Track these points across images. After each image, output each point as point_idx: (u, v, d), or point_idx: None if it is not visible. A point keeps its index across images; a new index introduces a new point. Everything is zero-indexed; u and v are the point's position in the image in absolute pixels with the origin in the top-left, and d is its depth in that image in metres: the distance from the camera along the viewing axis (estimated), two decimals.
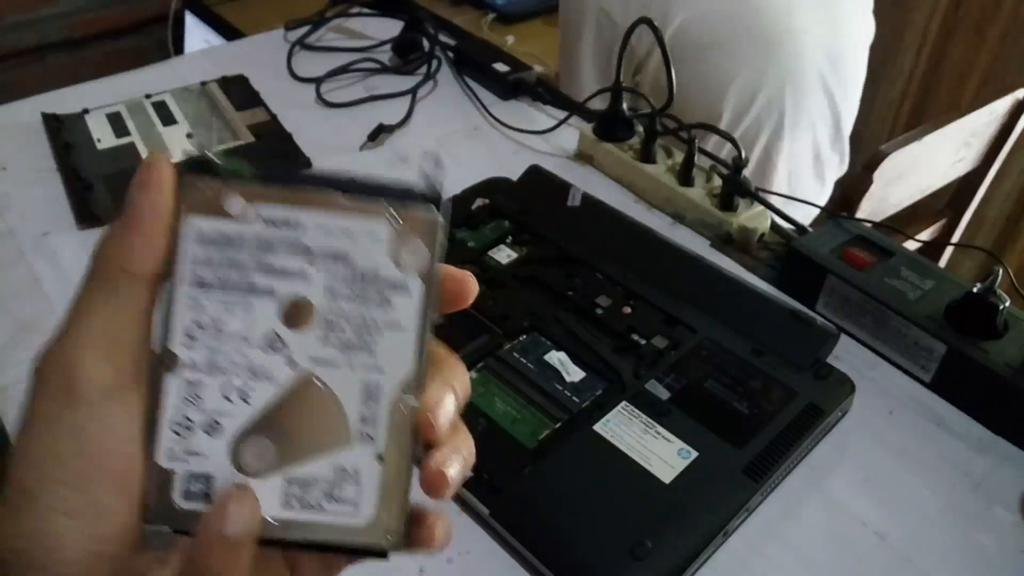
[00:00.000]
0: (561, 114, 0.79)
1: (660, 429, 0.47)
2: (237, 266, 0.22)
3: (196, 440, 0.22)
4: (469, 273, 0.24)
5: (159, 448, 0.22)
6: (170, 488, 0.22)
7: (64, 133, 0.76)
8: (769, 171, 1.08)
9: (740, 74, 0.99)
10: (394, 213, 0.22)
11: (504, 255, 0.60)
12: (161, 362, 0.22)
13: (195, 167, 0.22)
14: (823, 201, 1.21)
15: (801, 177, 1.12)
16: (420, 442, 0.23)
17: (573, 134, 0.76)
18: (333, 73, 0.86)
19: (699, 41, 0.97)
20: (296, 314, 0.22)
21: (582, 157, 0.75)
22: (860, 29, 1.10)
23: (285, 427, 0.22)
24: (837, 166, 1.17)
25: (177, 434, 0.22)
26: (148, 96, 0.82)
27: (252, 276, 0.22)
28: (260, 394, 0.22)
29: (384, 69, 0.88)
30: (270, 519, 0.22)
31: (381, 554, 0.22)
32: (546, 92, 0.84)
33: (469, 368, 0.50)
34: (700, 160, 0.67)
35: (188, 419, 0.22)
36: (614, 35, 1.00)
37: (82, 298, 0.22)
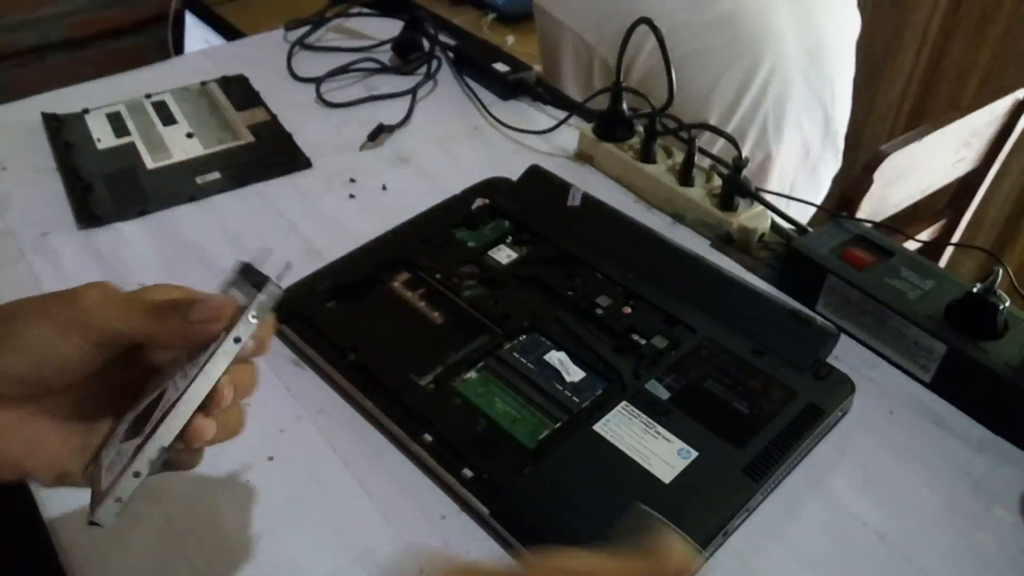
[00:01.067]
0: (561, 114, 0.79)
1: (660, 429, 0.47)
2: None
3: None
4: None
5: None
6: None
7: (64, 133, 0.76)
8: (759, 171, 1.09)
9: (721, 80, 1.00)
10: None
11: (504, 255, 0.60)
12: None
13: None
14: (820, 198, 1.21)
15: (793, 175, 1.13)
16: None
17: (573, 134, 0.76)
18: (333, 73, 0.86)
19: (677, 52, 0.97)
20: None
21: (582, 157, 0.75)
22: (840, 23, 1.10)
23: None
24: (832, 162, 1.17)
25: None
26: (148, 96, 0.82)
27: None
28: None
29: (384, 69, 0.88)
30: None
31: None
32: (546, 92, 0.84)
33: (469, 368, 0.51)
34: (700, 160, 0.67)
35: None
36: (591, 56, 1.02)
37: None
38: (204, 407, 0.32)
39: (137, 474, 0.30)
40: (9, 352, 0.30)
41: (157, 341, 0.32)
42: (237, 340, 0.32)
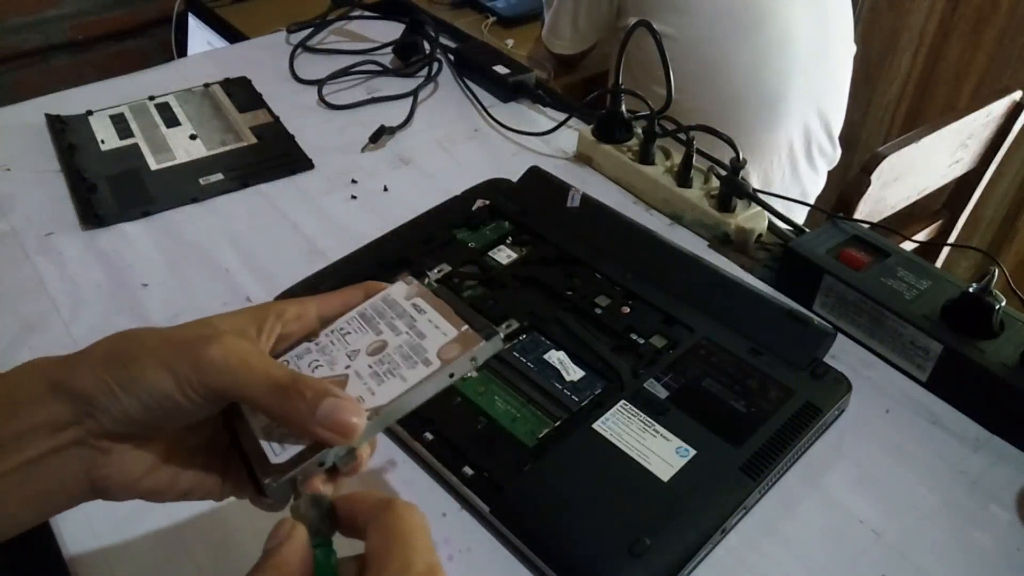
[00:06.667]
0: (560, 116, 0.80)
1: (658, 428, 0.47)
2: (380, 314, 0.36)
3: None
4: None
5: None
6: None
7: (68, 134, 0.76)
8: (763, 159, 1.10)
9: (729, 62, 1.02)
10: (466, 330, 0.34)
11: (504, 255, 0.61)
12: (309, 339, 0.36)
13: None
14: (818, 188, 1.23)
15: (795, 164, 1.15)
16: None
17: (572, 136, 0.77)
18: (335, 75, 0.87)
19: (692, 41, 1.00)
20: (376, 348, 0.35)
21: (581, 158, 0.76)
22: (841, 21, 1.13)
23: None
24: (830, 152, 1.19)
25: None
26: (151, 98, 0.82)
27: (385, 320, 0.36)
28: (321, 372, 0.34)
29: (385, 71, 0.89)
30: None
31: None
32: (545, 94, 0.85)
33: None
34: (698, 161, 0.68)
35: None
36: None
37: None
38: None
39: (322, 463, 0.31)
40: (128, 396, 0.30)
41: (273, 417, 0.32)
42: (451, 375, 0.33)
